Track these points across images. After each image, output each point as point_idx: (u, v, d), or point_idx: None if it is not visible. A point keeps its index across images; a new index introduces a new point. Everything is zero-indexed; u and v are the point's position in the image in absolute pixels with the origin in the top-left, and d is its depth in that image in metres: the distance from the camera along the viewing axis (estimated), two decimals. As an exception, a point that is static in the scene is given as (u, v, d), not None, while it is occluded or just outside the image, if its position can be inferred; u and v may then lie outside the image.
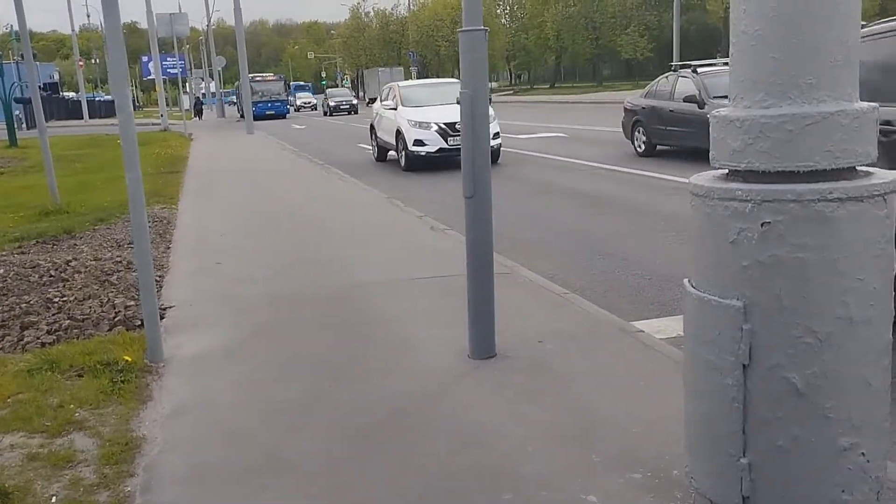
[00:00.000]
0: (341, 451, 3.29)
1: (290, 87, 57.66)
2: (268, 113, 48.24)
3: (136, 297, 5.64)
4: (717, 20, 58.92)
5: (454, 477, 3.03)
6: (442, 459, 3.17)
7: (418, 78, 58.33)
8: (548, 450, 3.19)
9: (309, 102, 63.97)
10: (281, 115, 49.84)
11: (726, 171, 2.38)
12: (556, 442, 3.26)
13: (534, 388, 3.85)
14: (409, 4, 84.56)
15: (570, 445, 3.22)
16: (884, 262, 2.21)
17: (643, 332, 4.63)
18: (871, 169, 2.29)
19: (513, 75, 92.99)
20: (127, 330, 4.98)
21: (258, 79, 50.35)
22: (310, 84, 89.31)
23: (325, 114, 52.49)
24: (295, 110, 61.36)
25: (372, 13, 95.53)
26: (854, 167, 2.23)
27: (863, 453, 2.29)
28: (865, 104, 2.18)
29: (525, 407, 3.63)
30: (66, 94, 74.54)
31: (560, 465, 3.06)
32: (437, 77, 66.29)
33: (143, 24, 33.99)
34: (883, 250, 2.20)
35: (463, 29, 3.95)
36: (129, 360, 4.32)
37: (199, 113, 54.42)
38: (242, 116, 42.02)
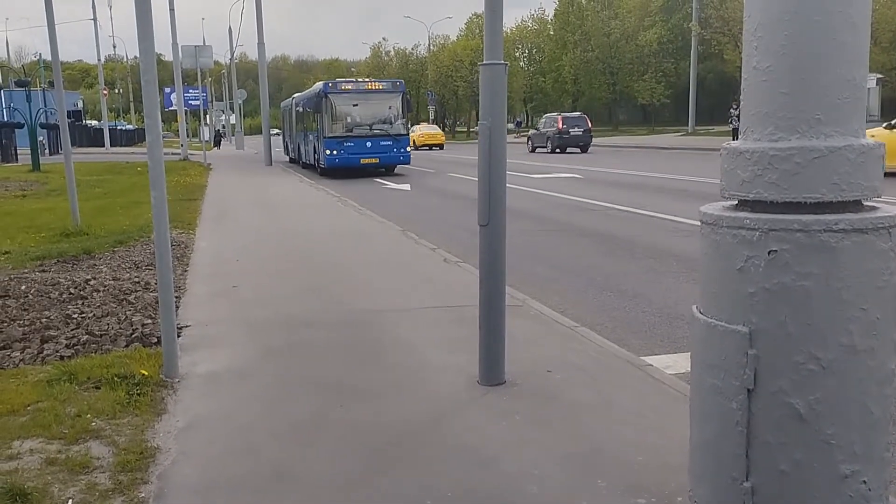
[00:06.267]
0: (351, 470, 3.34)
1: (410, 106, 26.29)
2: (363, 161, 23.41)
3: (153, 315, 5.74)
4: (734, 70, 59.04)
5: (462, 496, 3.07)
6: (450, 479, 3.22)
7: (435, 116, 60.60)
8: (553, 473, 3.24)
9: None
10: (391, 166, 24.68)
11: (735, 201, 2.46)
12: (562, 466, 3.30)
13: (541, 414, 3.90)
14: (429, 45, 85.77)
15: (576, 470, 3.27)
16: (887, 293, 2.27)
17: (652, 366, 4.68)
18: (876, 203, 2.37)
19: (530, 117, 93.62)
20: (144, 346, 5.06)
21: (348, 87, 24.09)
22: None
23: None
24: None
25: (392, 52, 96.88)
26: (860, 200, 2.31)
27: (864, 481, 2.32)
28: (871, 141, 2.27)
29: (532, 432, 3.68)
30: (88, 122, 75.74)
31: (565, 488, 3.11)
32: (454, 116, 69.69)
33: (167, 57, 34.56)
34: (886, 282, 2.27)
35: (484, 62, 4.07)
36: (146, 374, 4.41)
37: (217, 143, 56.47)
38: (291, 160, 32.40)
